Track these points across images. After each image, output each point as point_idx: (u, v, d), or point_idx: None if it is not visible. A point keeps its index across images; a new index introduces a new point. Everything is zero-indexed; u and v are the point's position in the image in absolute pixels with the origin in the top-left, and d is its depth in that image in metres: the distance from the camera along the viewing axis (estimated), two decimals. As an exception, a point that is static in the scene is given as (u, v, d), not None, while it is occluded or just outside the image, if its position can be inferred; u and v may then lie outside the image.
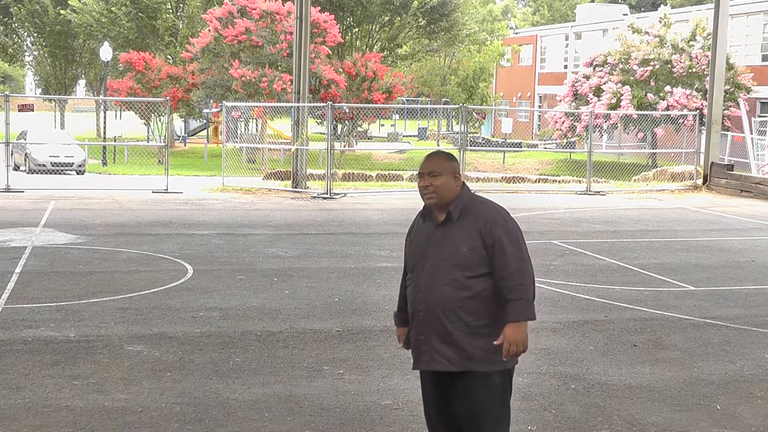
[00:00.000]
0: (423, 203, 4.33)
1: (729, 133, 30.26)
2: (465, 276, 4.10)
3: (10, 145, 20.73)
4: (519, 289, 4.08)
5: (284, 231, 14.36)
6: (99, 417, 5.80)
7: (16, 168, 26.61)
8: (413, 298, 4.23)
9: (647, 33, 33.64)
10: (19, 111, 43.50)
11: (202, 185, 21.82)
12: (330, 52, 33.25)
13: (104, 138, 35.68)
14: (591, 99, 33.04)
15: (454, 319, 4.10)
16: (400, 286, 4.53)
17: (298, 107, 21.04)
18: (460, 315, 4.10)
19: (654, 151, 32.30)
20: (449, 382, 4.19)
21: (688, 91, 31.17)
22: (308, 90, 21.98)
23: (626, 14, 50.24)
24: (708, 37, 29.95)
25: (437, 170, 4.22)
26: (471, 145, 31.83)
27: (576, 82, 34.60)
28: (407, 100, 59.90)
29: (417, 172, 4.32)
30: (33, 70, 52.00)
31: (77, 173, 27.27)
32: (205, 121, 41.03)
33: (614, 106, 31.65)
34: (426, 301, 4.15)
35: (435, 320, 4.13)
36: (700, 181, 22.97)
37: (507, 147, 38.02)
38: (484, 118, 50.93)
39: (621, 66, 32.99)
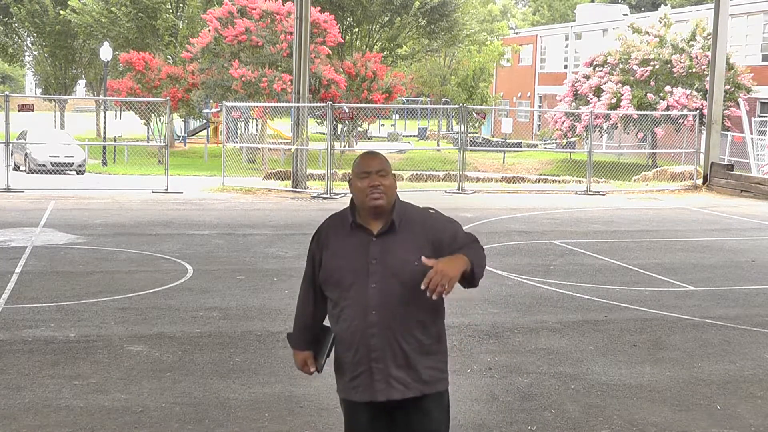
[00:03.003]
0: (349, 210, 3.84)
1: (729, 133, 30.26)
2: (418, 291, 3.57)
3: (10, 145, 20.73)
4: (476, 255, 3.68)
5: (284, 231, 14.36)
6: (99, 417, 5.80)
7: (16, 168, 26.60)
8: (358, 322, 3.68)
9: (647, 33, 33.64)
10: (19, 111, 43.55)
11: (202, 185, 21.82)
12: (330, 52, 33.24)
13: (104, 138, 35.67)
14: (591, 99, 33.04)
15: (411, 340, 3.68)
16: (300, 302, 3.95)
17: (298, 107, 21.04)
18: (414, 334, 3.68)
19: (654, 151, 32.31)
20: (397, 408, 3.74)
21: (688, 91, 31.17)
22: (308, 90, 21.97)
23: (626, 14, 50.27)
24: (708, 37, 29.95)
25: (386, 169, 3.73)
26: (471, 145, 31.83)
27: (576, 82, 34.60)
28: (407, 100, 59.89)
29: (356, 172, 3.75)
30: (33, 70, 51.96)
31: (77, 173, 27.27)
32: (205, 121, 41.03)
33: (614, 106, 31.65)
34: (380, 324, 3.64)
35: (392, 343, 3.66)
36: (700, 181, 22.97)
37: (507, 147, 38.02)
38: (484, 118, 50.92)
39: (621, 66, 32.99)
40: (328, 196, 19.49)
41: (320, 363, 3.95)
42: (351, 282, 3.69)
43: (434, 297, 3.50)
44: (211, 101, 34.31)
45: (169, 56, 39.59)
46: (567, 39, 52.38)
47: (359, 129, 40.20)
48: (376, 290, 3.65)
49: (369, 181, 3.70)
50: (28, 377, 6.57)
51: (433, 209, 3.84)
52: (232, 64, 30.35)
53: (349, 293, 3.70)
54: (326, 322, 3.92)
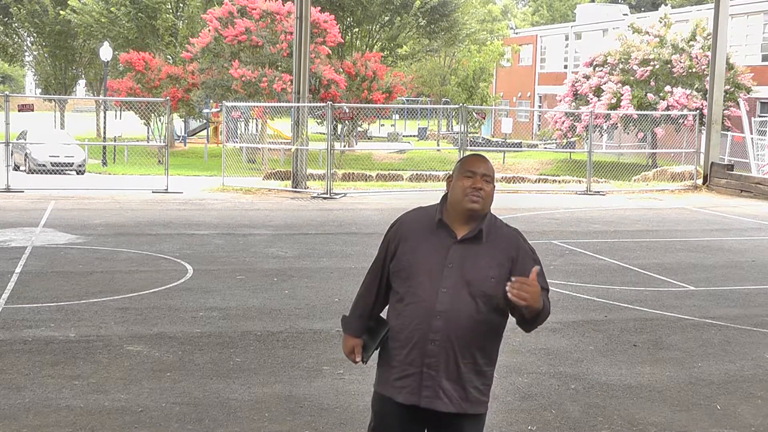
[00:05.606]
0: (432, 205, 3.75)
1: (729, 133, 30.26)
2: (487, 308, 3.55)
3: (10, 145, 20.73)
4: (546, 306, 3.60)
5: (284, 231, 14.36)
6: (99, 417, 5.80)
7: (16, 168, 26.59)
8: (420, 322, 3.57)
9: (647, 33, 33.63)
10: (19, 111, 43.48)
11: (202, 185, 21.82)
12: (330, 52, 33.25)
13: (104, 138, 35.64)
14: (591, 99, 33.03)
15: (467, 356, 3.58)
16: (363, 289, 3.86)
17: (298, 107, 21.04)
18: (473, 352, 3.58)
19: (654, 151, 32.30)
20: (433, 420, 3.65)
21: (688, 91, 31.16)
22: (308, 90, 21.97)
23: (626, 14, 50.25)
24: (708, 37, 29.95)
25: (491, 176, 3.62)
26: (471, 145, 31.82)
27: (576, 82, 34.59)
28: (407, 100, 59.87)
29: (461, 170, 3.63)
30: (33, 70, 51.93)
31: (77, 173, 27.26)
32: (205, 121, 41.03)
33: (614, 106, 31.64)
34: (445, 331, 3.53)
35: (449, 355, 3.55)
36: (700, 181, 22.97)
37: (507, 147, 38.02)
38: (484, 118, 50.92)
39: (621, 66, 32.98)
40: (328, 196, 19.48)
41: (368, 354, 3.84)
42: (422, 281, 3.58)
43: (510, 295, 3.42)
44: (211, 101, 34.31)
45: (169, 56, 39.57)
46: (567, 39, 52.38)
47: (359, 129, 40.20)
48: (447, 296, 3.54)
49: (472, 182, 3.59)
50: (28, 377, 6.57)
51: (526, 240, 3.74)
52: (232, 64, 30.35)
53: (418, 291, 3.58)
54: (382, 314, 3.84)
